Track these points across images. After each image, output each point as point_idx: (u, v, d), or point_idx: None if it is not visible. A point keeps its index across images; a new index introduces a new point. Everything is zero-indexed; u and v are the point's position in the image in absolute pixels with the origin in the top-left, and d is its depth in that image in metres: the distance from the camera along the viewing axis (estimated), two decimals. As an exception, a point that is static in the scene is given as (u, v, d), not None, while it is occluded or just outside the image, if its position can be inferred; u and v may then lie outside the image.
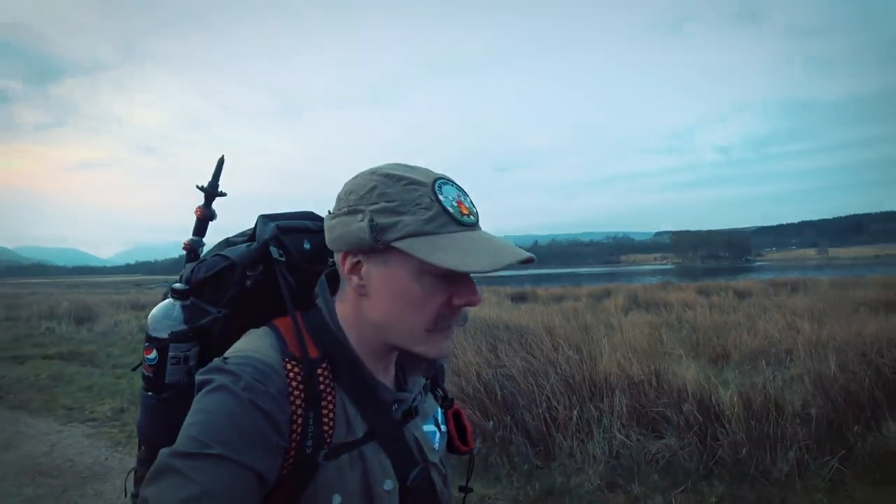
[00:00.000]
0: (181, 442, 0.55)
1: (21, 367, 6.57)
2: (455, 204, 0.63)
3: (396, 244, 0.61)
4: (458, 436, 0.83)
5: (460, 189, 0.67)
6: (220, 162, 0.88)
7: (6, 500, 2.91)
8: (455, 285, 0.65)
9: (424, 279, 0.63)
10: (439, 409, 0.82)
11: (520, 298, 14.15)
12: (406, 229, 0.60)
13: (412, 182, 0.62)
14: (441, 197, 0.62)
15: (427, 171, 0.66)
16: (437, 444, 0.77)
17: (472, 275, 0.65)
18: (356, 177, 0.67)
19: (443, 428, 0.81)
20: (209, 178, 0.88)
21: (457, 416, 0.85)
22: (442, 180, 0.64)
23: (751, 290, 13.10)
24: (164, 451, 0.54)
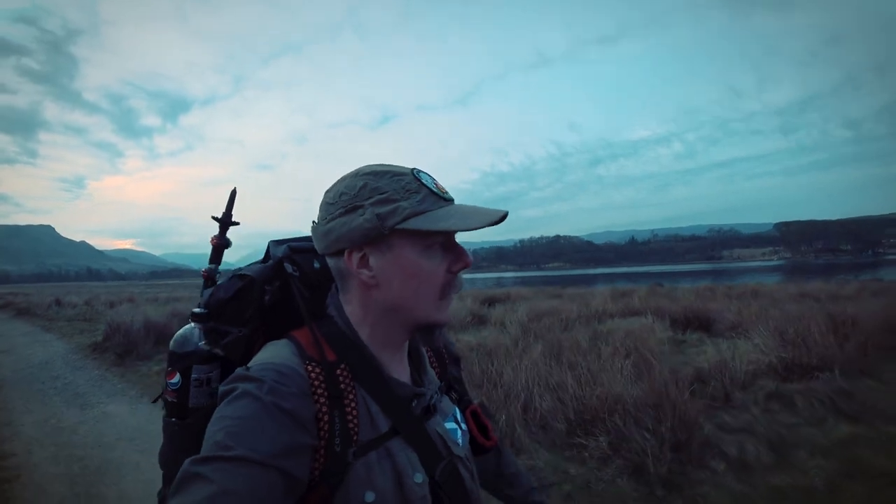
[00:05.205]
0: (203, 449, 0.56)
1: (87, 324, 13.06)
2: (435, 185, 0.72)
3: (401, 226, 0.67)
4: (479, 433, 0.85)
5: (431, 175, 0.74)
6: (233, 194, 0.93)
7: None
8: (450, 253, 0.72)
9: (428, 253, 0.69)
10: (457, 409, 0.84)
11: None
12: (405, 212, 0.67)
13: (395, 174, 0.70)
14: (423, 181, 0.70)
15: (401, 166, 0.73)
16: (460, 441, 0.79)
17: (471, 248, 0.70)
18: (339, 182, 0.72)
19: (463, 426, 0.82)
20: (223, 210, 0.91)
21: (475, 415, 0.86)
22: (416, 169, 0.72)
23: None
24: (186, 461, 0.55)
